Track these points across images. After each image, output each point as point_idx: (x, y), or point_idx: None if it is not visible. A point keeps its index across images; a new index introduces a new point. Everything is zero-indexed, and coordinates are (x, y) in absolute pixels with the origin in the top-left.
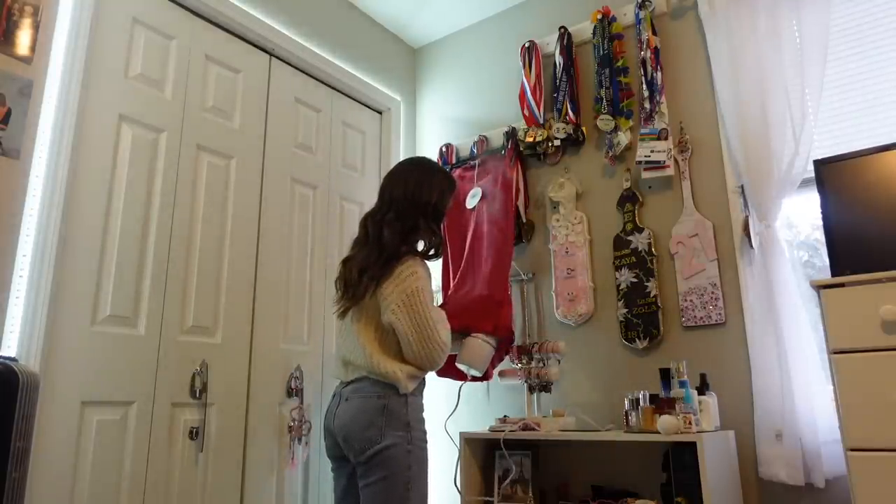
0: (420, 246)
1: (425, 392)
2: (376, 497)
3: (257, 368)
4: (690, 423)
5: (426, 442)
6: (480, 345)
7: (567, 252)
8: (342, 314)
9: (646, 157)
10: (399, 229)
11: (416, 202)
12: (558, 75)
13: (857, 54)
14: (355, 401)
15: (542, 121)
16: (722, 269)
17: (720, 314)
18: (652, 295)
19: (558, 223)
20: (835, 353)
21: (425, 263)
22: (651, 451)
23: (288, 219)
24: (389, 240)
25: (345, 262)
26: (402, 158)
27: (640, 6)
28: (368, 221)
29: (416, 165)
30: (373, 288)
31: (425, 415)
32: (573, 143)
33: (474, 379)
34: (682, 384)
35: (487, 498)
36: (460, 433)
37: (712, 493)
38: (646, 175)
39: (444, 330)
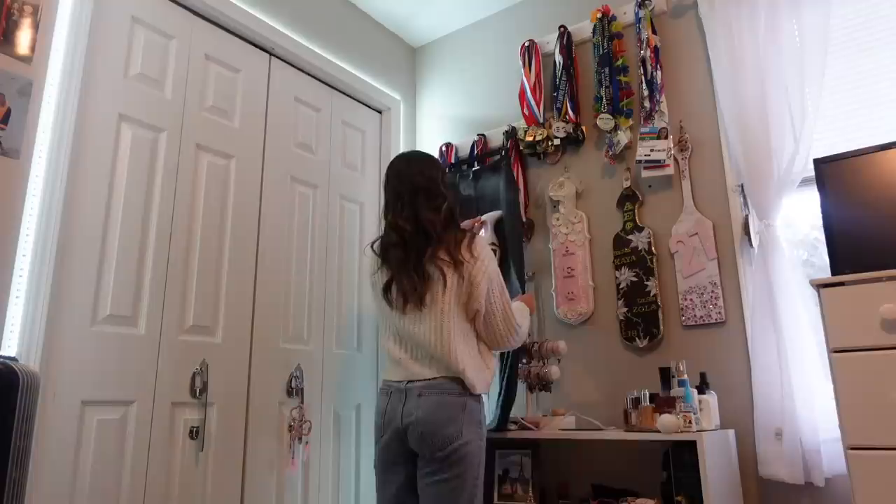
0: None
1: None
2: (452, 492)
3: (257, 368)
4: (690, 421)
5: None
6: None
7: (567, 251)
8: (416, 307)
9: (646, 156)
10: (435, 207)
11: (438, 181)
12: (558, 74)
13: (856, 53)
14: (433, 397)
15: (541, 120)
16: (722, 268)
17: (720, 313)
18: (652, 294)
19: (558, 222)
20: (835, 351)
21: None
22: (651, 450)
23: (288, 219)
24: (433, 220)
25: (392, 265)
26: None
27: (640, 5)
28: (401, 221)
29: (416, 158)
30: (451, 273)
31: None
32: (573, 142)
33: None
34: (682, 383)
35: None
36: None
37: (712, 492)
38: (646, 174)
39: (516, 312)
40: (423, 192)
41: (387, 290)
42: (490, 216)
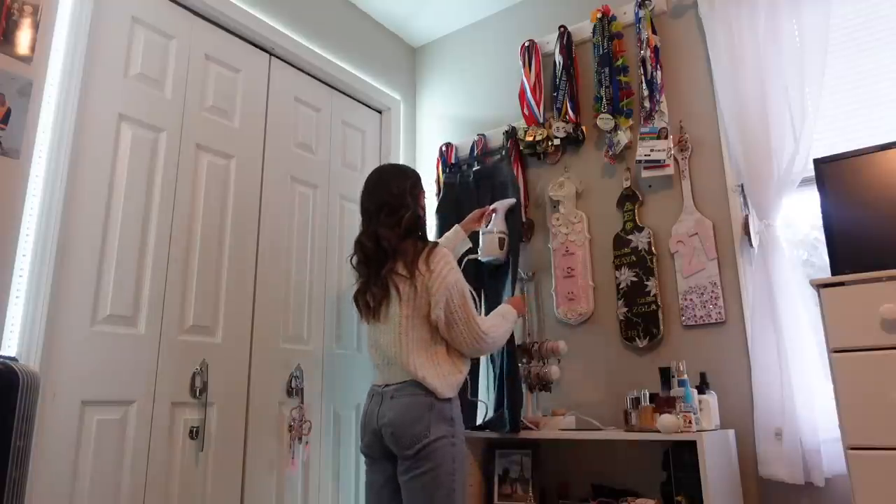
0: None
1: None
2: (425, 487)
3: (257, 368)
4: (690, 421)
5: (464, 438)
6: (490, 237)
7: (567, 251)
8: (375, 319)
9: (646, 155)
10: (394, 223)
11: (403, 191)
12: (558, 74)
13: (856, 53)
14: (403, 398)
15: (541, 120)
16: (722, 268)
17: (720, 313)
18: (652, 294)
19: (558, 222)
20: (834, 351)
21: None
22: (651, 450)
23: (288, 218)
24: (388, 236)
25: (359, 290)
26: (401, 157)
27: (640, 5)
28: (364, 239)
29: (384, 173)
30: (406, 286)
31: None
32: (573, 142)
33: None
34: (682, 383)
35: None
36: None
37: (712, 492)
38: (646, 174)
39: (483, 321)
40: (385, 207)
41: (356, 302)
42: (502, 204)
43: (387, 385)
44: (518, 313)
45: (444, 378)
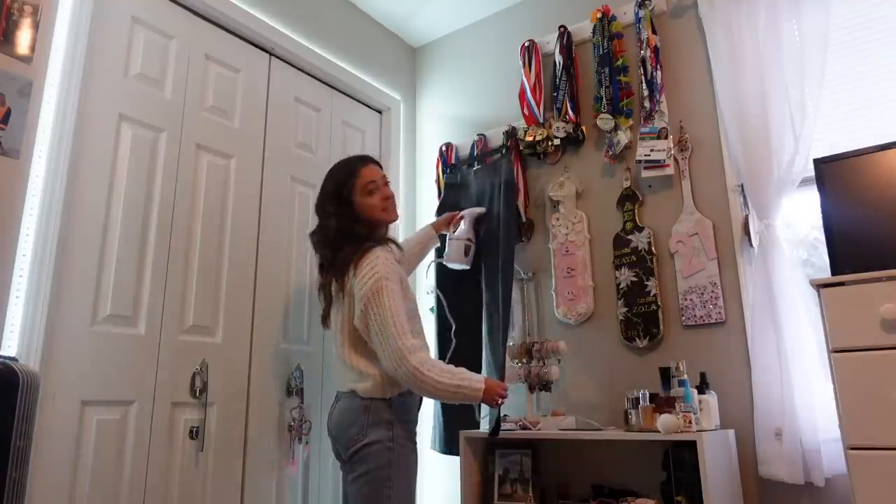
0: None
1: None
2: (359, 492)
3: (257, 368)
4: (690, 421)
5: (412, 441)
6: (456, 244)
7: (567, 251)
8: (326, 326)
9: (646, 155)
10: (322, 236)
11: (323, 202)
12: (558, 74)
13: (856, 53)
14: (343, 402)
15: (541, 120)
16: (722, 268)
17: (720, 313)
18: (652, 294)
19: (558, 222)
20: (835, 351)
21: (390, 252)
22: (651, 450)
23: (288, 218)
24: (321, 252)
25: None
26: (401, 157)
27: (640, 5)
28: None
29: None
30: (339, 290)
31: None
32: (573, 142)
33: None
34: (682, 383)
35: None
36: (460, 433)
37: (712, 492)
38: (646, 174)
39: (413, 338)
40: (317, 215)
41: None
42: (470, 212)
43: (338, 390)
44: (484, 397)
45: (373, 378)
